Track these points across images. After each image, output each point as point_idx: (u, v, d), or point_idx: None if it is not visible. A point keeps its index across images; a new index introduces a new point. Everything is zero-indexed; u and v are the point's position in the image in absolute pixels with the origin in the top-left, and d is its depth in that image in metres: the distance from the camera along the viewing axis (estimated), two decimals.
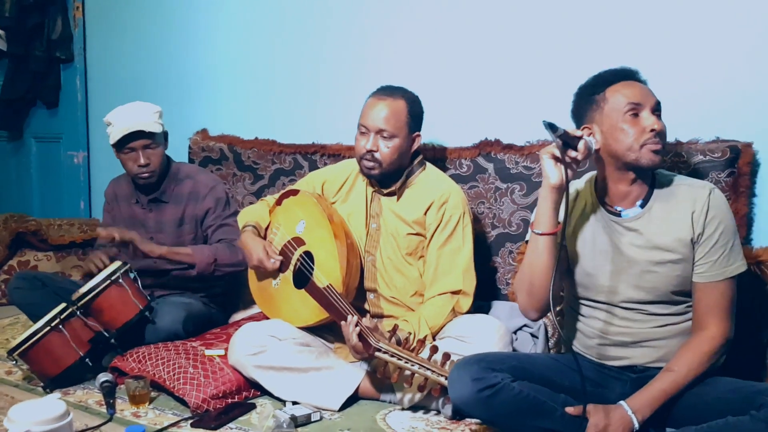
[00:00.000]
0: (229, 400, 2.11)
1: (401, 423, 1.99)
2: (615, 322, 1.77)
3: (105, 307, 2.28)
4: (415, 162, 2.31)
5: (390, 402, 2.12)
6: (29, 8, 3.81)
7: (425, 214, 2.23)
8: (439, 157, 2.56)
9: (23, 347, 2.23)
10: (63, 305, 2.28)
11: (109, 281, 2.28)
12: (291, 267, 2.30)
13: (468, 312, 2.19)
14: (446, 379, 1.82)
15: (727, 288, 1.67)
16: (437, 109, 2.49)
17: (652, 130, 1.65)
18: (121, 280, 2.30)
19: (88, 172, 3.98)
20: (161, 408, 2.12)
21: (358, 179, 2.37)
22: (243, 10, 3.24)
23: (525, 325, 2.22)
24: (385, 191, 2.30)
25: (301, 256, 2.29)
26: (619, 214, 1.74)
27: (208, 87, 3.41)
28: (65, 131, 3.99)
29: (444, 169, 2.50)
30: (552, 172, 1.64)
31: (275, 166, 3.01)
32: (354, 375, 2.13)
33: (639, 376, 1.74)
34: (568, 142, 1.63)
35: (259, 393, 2.19)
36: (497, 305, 2.38)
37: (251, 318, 2.58)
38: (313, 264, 2.22)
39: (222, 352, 2.25)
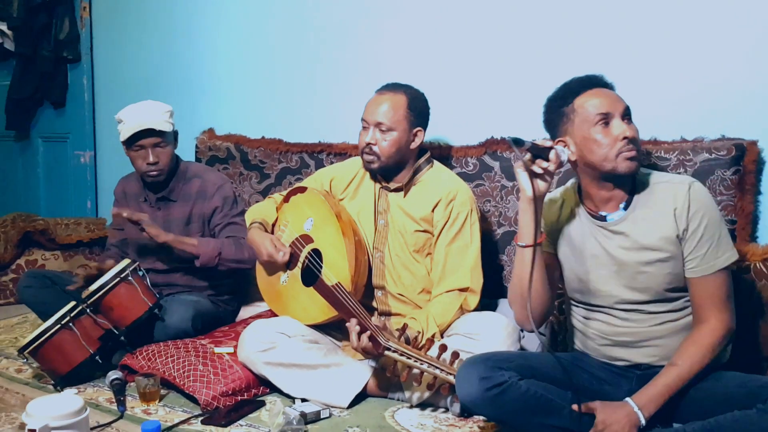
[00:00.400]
0: (239, 398, 2.13)
1: (410, 420, 2.00)
2: (615, 323, 1.78)
3: (114, 304, 2.30)
4: (423, 159, 2.32)
5: (398, 400, 2.14)
6: (37, 9, 3.82)
7: (433, 211, 2.25)
8: (445, 155, 2.57)
9: (34, 345, 2.25)
10: (73, 303, 2.29)
11: (118, 279, 2.30)
12: (299, 264, 2.32)
13: (475, 310, 2.20)
14: (455, 377, 1.83)
15: (720, 279, 1.67)
16: (444, 108, 2.50)
17: (624, 138, 1.66)
18: (130, 278, 2.32)
19: (95, 172, 3.99)
20: (171, 405, 2.13)
21: (366, 176, 2.39)
22: (249, 10, 3.25)
23: None
24: (392, 187, 2.31)
25: (309, 253, 2.30)
26: (604, 219, 1.75)
27: (214, 86, 3.42)
28: (72, 131, 4.00)
29: (450, 167, 2.50)
30: (527, 185, 1.65)
31: (282, 165, 3.03)
32: (362, 372, 2.14)
33: (645, 373, 1.75)
34: (538, 153, 1.64)
35: (268, 390, 2.20)
36: (504, 303, 2.38)
37: (259, 316, 2.59)
38: (322, 262, 2.24)
39: (231, 349, 2.27)
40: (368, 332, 1.98)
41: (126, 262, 2.36)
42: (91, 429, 1.87)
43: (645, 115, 1.89)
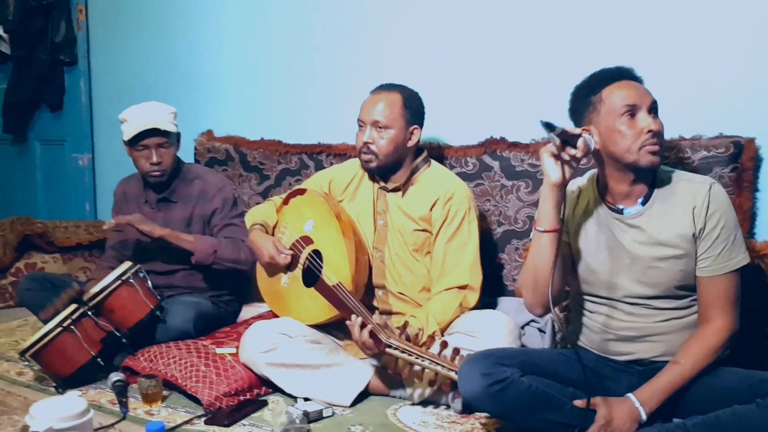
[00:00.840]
0: (242, 398, 2.14)
1: (412, 417, 2.01)
2: (620, 317, 1.79)
3: (116, 307, 2.31)
4: (420, 159, 2.34)
5: (400, 397, 2.14)
6: (33, 11, 3.82)
7: (431, 210, 2.26)
8: (444, 155, 2.58)
9: (35, 348, 2.24)
10: (74, 306, 2.30)
11: (119, 281, 2.31)
12: (300, 265, 2.33)
13: (475, 307, 2.22)
14: (456, 374, 1.84)
15: (730, 281, 1.69)
16: (444, 108, 2.51)
17: (650, 131, 1.66)
18: (131, 280, 2.33)
19: (93, 174, 3.99)
20: (174, 406, 2.14)
21: (365, 177, 2.40)
22: (248, 11, 3.25)
23: (532, 321, 2.25)
24: (390, 187, 2.33)
25: (309, 254, 2.31)
26: (621, 212, 1.76)
27: (213, 88, 3.43)
28: (70, 134, 4.00)
29: (450, 167, 2.52)
30: (552, 170, 1.66)
31: (281, 166, 3.03)
32: (364, 371, 2.15)
33: (646, 369, 1.76)
34: (567, 140, 1.64)
35: (270, 390, 2.21)
36: (504, 301, 2.41)
37: (260, 316, 2.60)
38: (322, 262, 2.25)
39: (233, 350, 2.27)
40: (369, 327, 1.99)
41: (127, 264, 2.37)
42: (95, 430, 1.87)
43: None
